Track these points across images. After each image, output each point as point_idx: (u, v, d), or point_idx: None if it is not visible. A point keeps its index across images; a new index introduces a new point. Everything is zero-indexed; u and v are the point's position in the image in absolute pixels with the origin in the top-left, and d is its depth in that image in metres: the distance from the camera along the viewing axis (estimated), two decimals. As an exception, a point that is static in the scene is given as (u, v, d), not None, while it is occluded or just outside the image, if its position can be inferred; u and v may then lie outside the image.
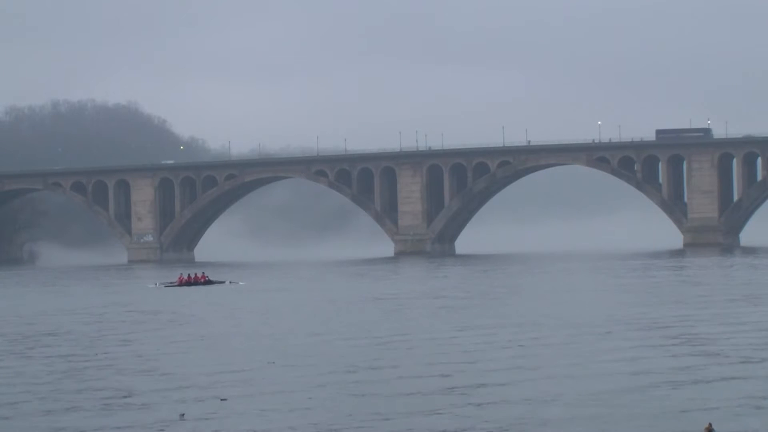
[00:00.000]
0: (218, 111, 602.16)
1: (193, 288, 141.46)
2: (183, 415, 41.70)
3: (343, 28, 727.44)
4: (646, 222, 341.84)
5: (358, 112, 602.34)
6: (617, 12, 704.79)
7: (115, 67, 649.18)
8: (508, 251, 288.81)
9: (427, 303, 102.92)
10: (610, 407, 40.27)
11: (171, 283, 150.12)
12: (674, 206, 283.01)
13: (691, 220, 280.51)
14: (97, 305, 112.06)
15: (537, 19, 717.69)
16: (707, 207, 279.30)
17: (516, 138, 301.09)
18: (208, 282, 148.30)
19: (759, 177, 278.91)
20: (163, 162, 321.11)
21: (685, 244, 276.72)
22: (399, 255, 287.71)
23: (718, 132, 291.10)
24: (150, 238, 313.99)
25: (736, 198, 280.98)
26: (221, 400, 44.18)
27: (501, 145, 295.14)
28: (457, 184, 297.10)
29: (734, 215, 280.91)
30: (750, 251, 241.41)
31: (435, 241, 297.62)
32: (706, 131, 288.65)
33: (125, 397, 45.63)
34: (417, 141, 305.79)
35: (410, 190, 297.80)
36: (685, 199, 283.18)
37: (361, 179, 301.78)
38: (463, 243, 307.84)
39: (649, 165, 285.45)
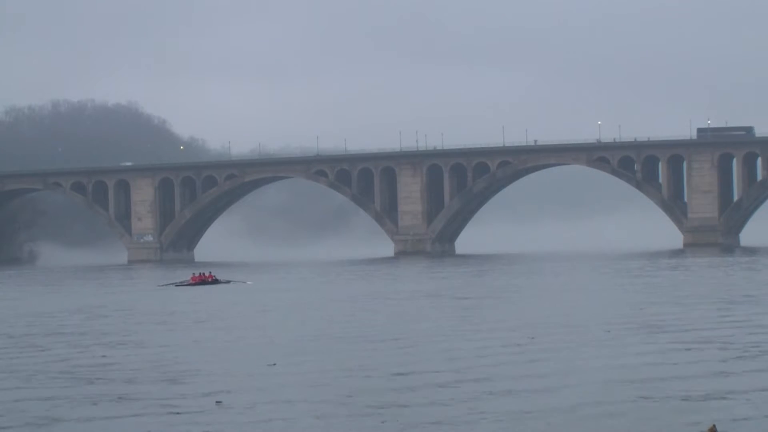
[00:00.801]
0: (218, 111, 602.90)
1: (203, 288, 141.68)
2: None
3: (343, 28, 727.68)
4: (646, 222, 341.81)
5: (358, 112, 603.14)
6: (617, 12, 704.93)
7: (115, 67, 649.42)
8: (508, 251, 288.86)
9: (431, 302, 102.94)
10: (613, 408, 40.25)
11: (182, 282, 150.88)
12: (674, 206, 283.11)
13: (691, 220, 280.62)
14: (112, 303, 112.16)
15: (537, 19, 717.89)
16: (707, 207, 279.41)
17: (516, 138, 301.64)
18: (215, 281, 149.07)
19: (759, 177, 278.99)
20: (122, 164, 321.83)
21: (685, 244, 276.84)
22: (399, 255, 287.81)
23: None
24: (150, 238, 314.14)
25: (736, 198, 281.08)
26: (216, 402, 44.11)
27: (501, 145, 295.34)
28: (457, 184, 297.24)
29: (734, 215, 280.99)
30: (750, 251, 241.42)
31: (435, 241, 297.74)
32: (749, 129, 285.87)
33: (119, 398, 45.57)
34: (417, 141, 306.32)
35: (410, 190, 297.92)
36: (685, 199, 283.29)
37: (361, 179, 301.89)
38: (463, 243, 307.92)
39: (649, 165, 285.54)
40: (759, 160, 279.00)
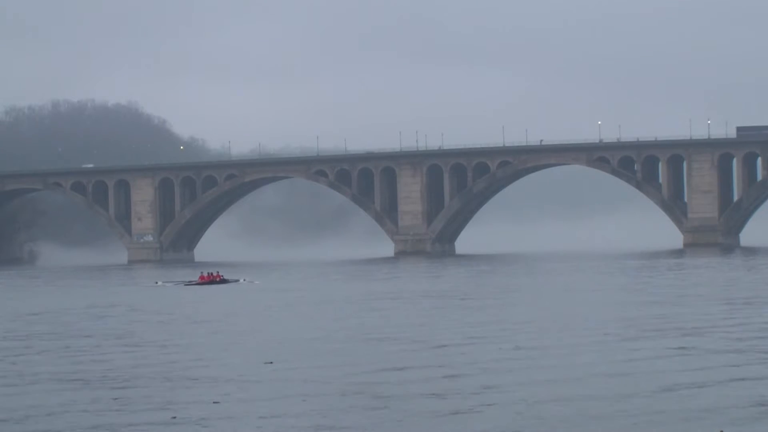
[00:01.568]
0: (218, 111, 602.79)
1: (211, 287, 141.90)
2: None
3: (343, 28, 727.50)
4: (646, 222, 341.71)
5: (358, 112, 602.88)
6: (617, 12, 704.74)
7: (115, 67, 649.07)
8: (508, 251, 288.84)
9: (431, 303, 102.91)
10: (617, 411, 40.20)
11: (191, 281, 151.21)
12: (674, 206, 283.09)
13: (691, 220, 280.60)
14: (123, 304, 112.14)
15: (537, 19, 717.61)
16: (707, 207, 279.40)
17: (516, 138, 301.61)
18: (224, 281, 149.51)
19: (759, 177, 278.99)
20: (83, 165, 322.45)
21: (685, 244, 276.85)
22: (399, 255, 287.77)
23: (718, 132, 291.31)
24: (150, 238, 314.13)
25: (736, 198, 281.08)
26: (213, 402, 44.07)
27: (501, 145, 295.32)
28: (457, 184, 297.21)
29: (734, 215, 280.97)
30: (750, 251, 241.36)
31: (435, 241, 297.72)
32: None
33: (115, 399, 45.53)
34: (417, 141, 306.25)
35: (410, 190, 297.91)
36: (685, 199, 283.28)
37: (361, 179, 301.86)
38: (463, 243, 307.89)
39: (649, 165, 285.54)
40: (759, 160, 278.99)
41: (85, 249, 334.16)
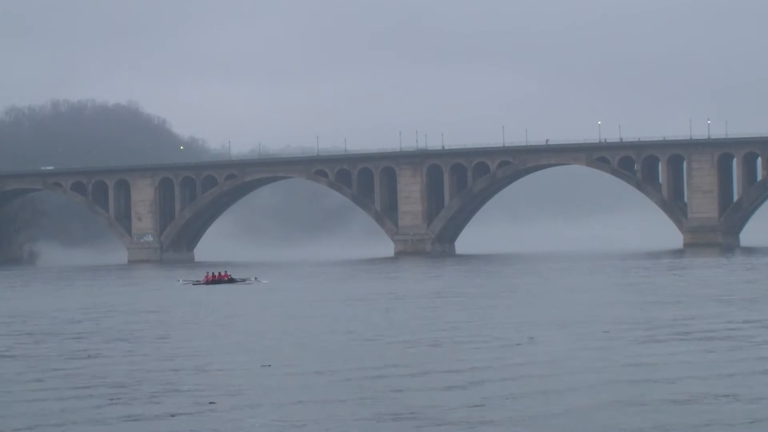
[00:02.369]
0: (218, 111, 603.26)
1: (219, 287, 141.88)
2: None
3: (343, 28, 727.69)
4: (646, 222, 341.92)
5: (358, 112, 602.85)
6: (617, 13, 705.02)
7: (115, 67, 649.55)
8: (508, 251, 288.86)
9: (432, 303, 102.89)
10: (619, 412, 40.13)
11: (198, 281, 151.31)
12: (674, 206, 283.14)
13: (691, 220, 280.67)
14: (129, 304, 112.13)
15: (537, 19, 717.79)
16: (707, 207, 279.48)
17: (516, 138, 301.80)
18: (231, 280, 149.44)
19: (759, 177, 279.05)
20: (42, 168, 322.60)
21: (685, 244, 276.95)
22: (399, 255, 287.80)
23: (718, 132, 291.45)
24: (150, 238, 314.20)
25: (736, 198, 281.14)
26: (210, 403, 44.01)
27: (501, 145, 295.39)
28: (457, 184, 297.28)
29: (734, 215, 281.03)
30: (750, 251, 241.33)
31: (435, 241, 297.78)
32: None
33: (111, 400, 45.46)
34: (417, 141, 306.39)
35: (410, 190, 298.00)
36: (685, 199, 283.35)
37: (361, 179, 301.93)
38: (463, 243, 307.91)
39: (649, 165, 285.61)
40: (759, 160, 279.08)
41: (85, 249, 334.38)
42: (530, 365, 52.93)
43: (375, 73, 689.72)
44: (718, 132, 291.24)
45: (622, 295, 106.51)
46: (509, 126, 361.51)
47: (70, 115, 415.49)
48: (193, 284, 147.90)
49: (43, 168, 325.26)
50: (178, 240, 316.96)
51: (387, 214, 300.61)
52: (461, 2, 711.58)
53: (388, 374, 50.86)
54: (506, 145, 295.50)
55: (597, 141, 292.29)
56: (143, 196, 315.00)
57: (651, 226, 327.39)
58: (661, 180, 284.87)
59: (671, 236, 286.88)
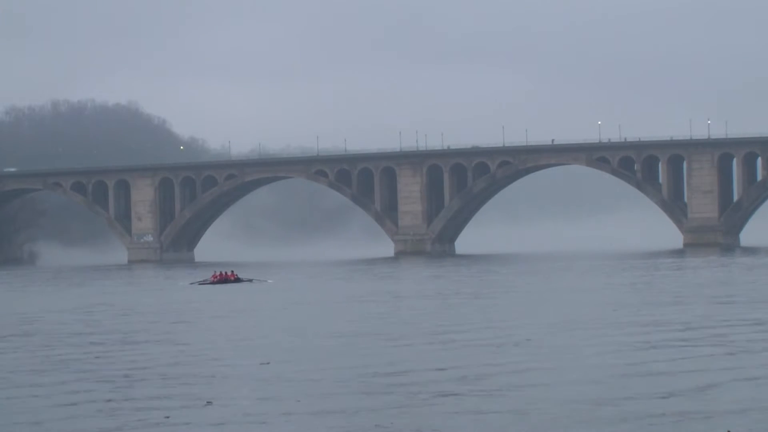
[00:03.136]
0: (218, 111, 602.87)
1: (225, 286, 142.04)
2: None
3: (343, 28, 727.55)
4: (646, 222, 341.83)
5: (358, 112, 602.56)
6: (618, 13, 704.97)
7: (115, 67, 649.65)
8: (508, 251, 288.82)
9: (433, 302, 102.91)
10: (621, 412, 40.11)
11: (204, 280, 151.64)
12: (674, 206, 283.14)
13: (691, 220, 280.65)
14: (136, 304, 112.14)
15: (537, 19, 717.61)
16: (707, 207, 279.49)
17: (516, 138, 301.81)
18: (238, 280, 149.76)
19: (759, 177, 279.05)
20: (5, 170, 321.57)
21: (685, 244, 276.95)
22: (399, 255, 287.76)
23: (718, 132, 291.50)
24: (150, 238, 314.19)
25: (736, 198, 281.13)
26: (207, 403, 43.94)
27: (501, 145, 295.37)
28: (457, 184, 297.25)
29: (734, 215, 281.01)
30: (750, 251, 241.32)
31: (435, 241, 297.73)
32: None
33: (108, 401, 45.42)
34: (417, 141, 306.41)
35: (410, 190, 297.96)
36: (685, 199, 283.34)
37: (361, 179, 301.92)
38: (463, 243, 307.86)
39: (649, 165, 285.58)
40: (759, 160, 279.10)
41: (85, 249, 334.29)
42: (530, 365, 52.91)
43: (375, 73, 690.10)
44: (718, 132, 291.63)
45: (621, 295, 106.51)
46: (509, 126, 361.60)
47: (70, 115, 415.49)
48: (200, 284, 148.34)
49: (5, 170, 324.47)
50: (178, 240, 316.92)
51: (387, 214, 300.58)
52: (461, 2, 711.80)
53: (387, 374, 50.83)
54: (506, 145, 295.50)
55: (597, 141, 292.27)
56: (143, 196, 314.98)
57: (651, 226, 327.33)
58: (661, 180, 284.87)
59: (671, 236, 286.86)
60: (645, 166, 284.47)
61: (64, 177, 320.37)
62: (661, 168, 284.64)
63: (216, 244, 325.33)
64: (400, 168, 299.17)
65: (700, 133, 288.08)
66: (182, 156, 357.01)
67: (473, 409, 40.77)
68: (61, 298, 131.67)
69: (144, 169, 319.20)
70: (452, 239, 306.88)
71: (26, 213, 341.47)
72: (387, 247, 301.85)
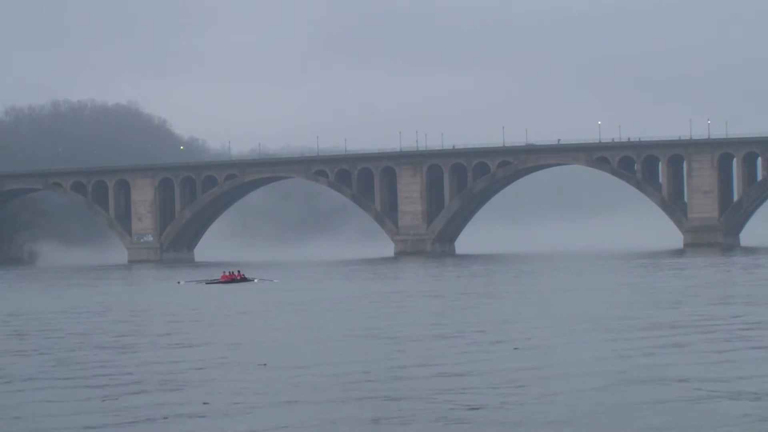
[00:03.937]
0: (218, 111, 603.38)
1: (232, 285, 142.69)
2: None
3: (343, 28, 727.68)
4: (646, 222, 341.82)
5: (358, 112, 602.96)
6: (617, 12, 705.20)
7: (115, 67, 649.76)
8: (508, 251, 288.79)
9: (433, 302, 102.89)
10: (621, 412, 40.08)
11: (213, 280, 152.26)
12: (674, 206, 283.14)
13: (691, 220, 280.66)
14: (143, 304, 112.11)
15: (537, 19, 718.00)
16: (707, 207, 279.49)
17: (516, 138, 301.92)
18: (244, 279, 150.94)
19: (759, 177, 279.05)
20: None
21: (685, 244, 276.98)
22: (399, 255, 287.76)
23: (718, 132, 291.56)
24: (150, 238, 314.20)
25: (736, 198, 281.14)
26: (203, 403, 43.92)
27: (501, 145, 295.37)
28: (457, 184, 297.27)
29: (734, 215, 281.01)
30: (750, 251, 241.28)
31: (435, 241, 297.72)
32: None
33: (103, 400, 45.37)
34: (417, 141, 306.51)
35: (410, 190, 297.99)
36: (685, 199, 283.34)
37: (361, 179, 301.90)
38: (463, 243, 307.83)
39: (649, 165, 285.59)
40: (759, 160, 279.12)
41: (85, 249, 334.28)
42: (530, 366, 52.88)
43: (375, 72, 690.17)
44: (718, 132, 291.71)
45: (621, 295, 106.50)
46: (509, 126, 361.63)
47: (70, 115, 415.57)
48: (207, 283, 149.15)
49: None
50: (178, 240, 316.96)
51: (387, 214, 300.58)
52: (461, 3, 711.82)
53: (387, 374, 50.80)
54: (506, 145, 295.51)
55: (597, 141, 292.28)
56: (143, 196, 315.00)
57: (651, 226, 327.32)
58: (661, 180, 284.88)
59: (671, 236, 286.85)
60: (645, 166, 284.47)
61: (64, 177, 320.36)
62: (661, 168, 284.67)
63: (216, 244, 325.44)
64: (400, 168, 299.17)
65: (700, 133, 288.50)
66: (182, 156, 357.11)
67: (472, 409, 40.76)
68: (60, 298, 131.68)
69: (144, 169, 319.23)
70: (452, 239, 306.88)
71: (26, 213, 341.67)
72: (387, 247, 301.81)
